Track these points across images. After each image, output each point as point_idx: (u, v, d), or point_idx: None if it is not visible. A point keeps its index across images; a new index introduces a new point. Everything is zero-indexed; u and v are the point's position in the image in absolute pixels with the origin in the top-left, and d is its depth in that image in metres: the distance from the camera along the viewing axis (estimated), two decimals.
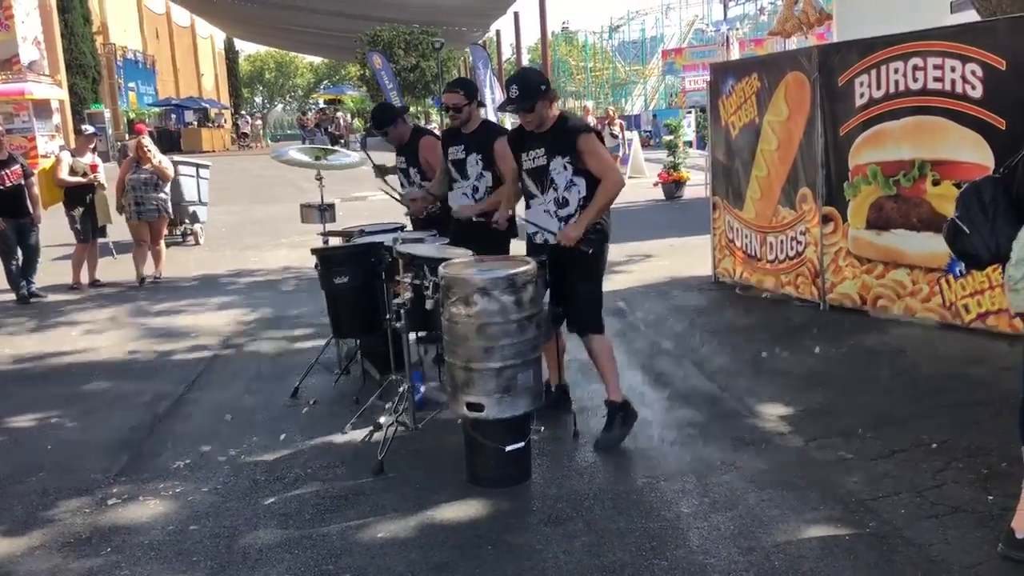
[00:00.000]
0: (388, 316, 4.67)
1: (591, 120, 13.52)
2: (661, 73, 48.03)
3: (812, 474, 3.86)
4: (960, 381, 4.99)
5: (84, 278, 9.37)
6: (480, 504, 3.73)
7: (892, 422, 4.41)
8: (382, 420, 4.56)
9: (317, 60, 79.54)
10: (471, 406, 3.79)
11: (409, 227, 5.88)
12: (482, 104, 5.29)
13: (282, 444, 4.58)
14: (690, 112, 34.61)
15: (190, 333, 7.18)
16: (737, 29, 35.99)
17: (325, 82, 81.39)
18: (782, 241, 7.10)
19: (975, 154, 5.51)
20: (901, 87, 5.88)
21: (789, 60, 6.92)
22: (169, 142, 31.83)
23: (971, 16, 7.57)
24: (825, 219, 6.60)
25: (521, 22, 36.26)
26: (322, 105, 52.57)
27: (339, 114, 41.41)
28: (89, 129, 10.09)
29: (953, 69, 5.55)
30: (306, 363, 6.01)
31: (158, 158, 9.55)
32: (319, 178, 5.45)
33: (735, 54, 34.50)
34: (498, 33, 42.36)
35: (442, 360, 4.71)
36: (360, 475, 4.10)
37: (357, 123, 38.37)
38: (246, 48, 67.68)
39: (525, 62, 43.47)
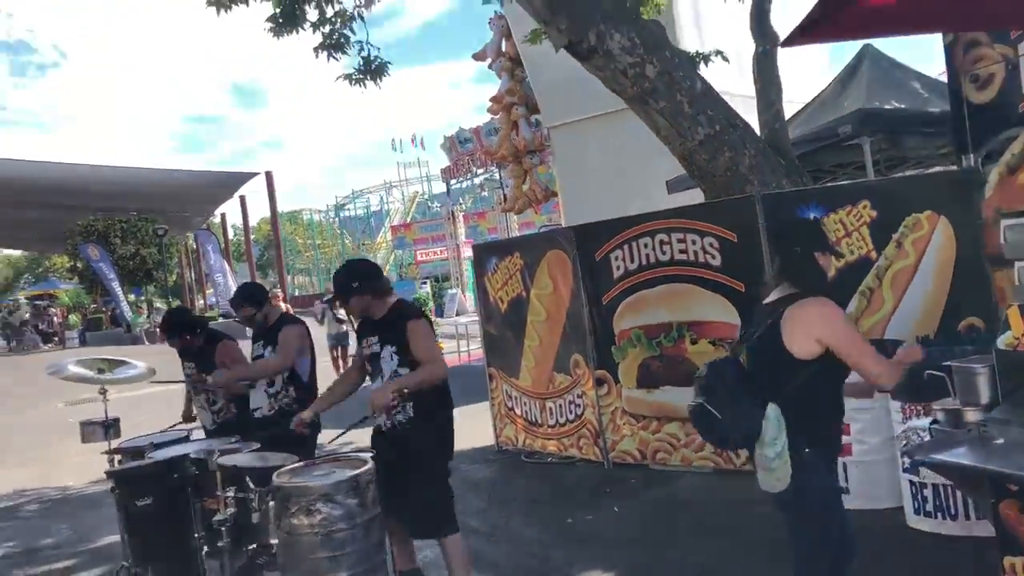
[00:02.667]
0: (198, 535, 4.37)
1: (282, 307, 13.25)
2: (391, 247, 49.65)
3: None
4: (750, 521, 5.45)
5: None
6: None
7: (714, 572, 4.72)
8: None
9: (16, 253, 73.59)
10: None
11: (200, 434, 5.59)
12: (269, 303, 5.27)
13: None
14: (424, 283, 35.85)
15: None
16: (460, 204, 38.26)
17: (26, 275, 75.16)
18: (560, 405, 7.50)
19: (723, 314, 6.29)
20: (652, 259, 6.62)
21: (547, 240, 7.58)
22: None
23: (688, 196, 8.74)
24: (599, 382, 7.10)
25: (248, 204, 36.29)
26: (23, 301, 48.42)
27: (51, 310, 38.20)
28: None
29: (694, 242, 6.37)
30: None
31: None
32: (103, 392, 5.06)
33: (461, 226, 36.61)
34: (223, 216, 41.91)
35: (245, 573, 4.45)
36: None
37: (73, 318, 35.56)
38: None
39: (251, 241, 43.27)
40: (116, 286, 34.15)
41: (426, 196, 54.05)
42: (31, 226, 42.97)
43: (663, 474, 6.69)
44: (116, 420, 5.13)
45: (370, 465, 3.78)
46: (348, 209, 59.20)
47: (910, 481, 4.91)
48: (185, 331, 5.38)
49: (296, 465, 3.92)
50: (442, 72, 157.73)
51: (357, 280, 4.29)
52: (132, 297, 37.16)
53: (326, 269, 54.15)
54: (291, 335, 5.10)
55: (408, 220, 50.66)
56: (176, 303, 36.39)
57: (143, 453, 4.94)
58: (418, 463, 4.18)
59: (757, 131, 6.83)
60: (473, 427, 9.22)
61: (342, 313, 5.04)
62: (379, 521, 3.76)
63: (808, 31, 2.60)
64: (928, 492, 4.82)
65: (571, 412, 7.41)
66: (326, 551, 3.57)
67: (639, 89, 6.15)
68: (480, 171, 34.00)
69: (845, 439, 4.61)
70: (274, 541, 5.53)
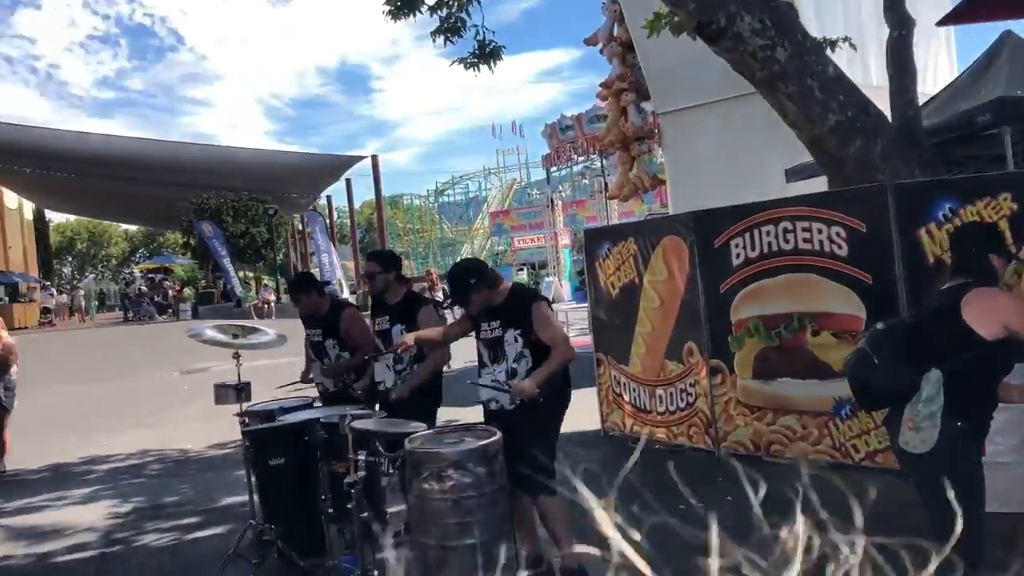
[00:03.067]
0: (325, 496, 4.52)
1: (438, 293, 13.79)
2: (488, 232, 50.06)
3: None
4: (873, 515, 5.30)
5: None
6: None
7: None
8: None
9: (132, 228, 77.18)
10: None
11: (318, 403, 5.78)
12: (401, 277, 5.40)
13: None
14: (521, 270, 36.05)
15: (63, 531, 6.54)
16: (560, 192, 38.24)
17: (142, 250, 78.75)
18: (671, 393, 7.44)
19: (847, 306, 6.12)
20: (775, 247, 6.49)
21: (664, 226, 7.51)
22: None
23: (806, 186, 8.53)
24: (713, 371, 7.01)
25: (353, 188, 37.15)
26: (137, 274, 50.67)
27: (166, 283, 39.98)
28: None
29: (820, 231, 6.22)
30: (209, 554, 5.67)
31: (5, 339, 8.88)
32: (237, 356, 5.28)
33: (560, 214, 36.62)
34: (329, 199, 43.01)
35: (362, 540, 4.60)
36: None
37: (188, 292, 37.13)
38: (56, 218, 64.67)
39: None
40: (227, 262, 35.43)
41: (524, 184, 54.24)
42: (147, 203, 45.05)
43: (778, 466, 6.56)
44: (247, 384, 5.34)
45: (499, 436, 3.84)
46: (447, 195, 59.93)
47: None
48: (314, 290, 5.57)
49: (427, 432, 4.01)
50: (542, 60, 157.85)
51: (473, 277, 4.36)
52: (242, 274, 38.51)
53: (424, 254, 54.98)
54: (433, 317, 5.27)
55: (506, 207, 50.97)
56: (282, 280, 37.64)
57: (273, 416, 5.13)
58: (538, 431, 4.22)
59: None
60: (579, 412, 9.25)
61: None
62: (505, 492, 3.81)
63: (972, 8, 2.51)
64: None
65: (682, 400, 7.35)
66: (455, 517, 3.65)
67: (768, 72, 6.02)
68: (580, 159, 33.97)
69: None
70: (390, 509, 5.73)
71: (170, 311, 37.26)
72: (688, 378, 7.26)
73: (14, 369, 8.85)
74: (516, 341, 4.28)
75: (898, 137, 6.25)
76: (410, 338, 4.70)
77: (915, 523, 4.35)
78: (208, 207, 39.30)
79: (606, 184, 30.69)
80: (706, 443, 7.15)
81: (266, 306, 32.90)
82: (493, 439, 3.78)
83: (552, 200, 34.89)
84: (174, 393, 14.26)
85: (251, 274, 39.06)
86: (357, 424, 4.12)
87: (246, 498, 6.98)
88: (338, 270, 34.86)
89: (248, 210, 40.35)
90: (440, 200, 60.20)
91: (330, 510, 4.57)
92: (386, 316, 5.29)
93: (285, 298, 35.92)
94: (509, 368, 4.30)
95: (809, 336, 6.35)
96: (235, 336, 5.19)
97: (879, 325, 3.48)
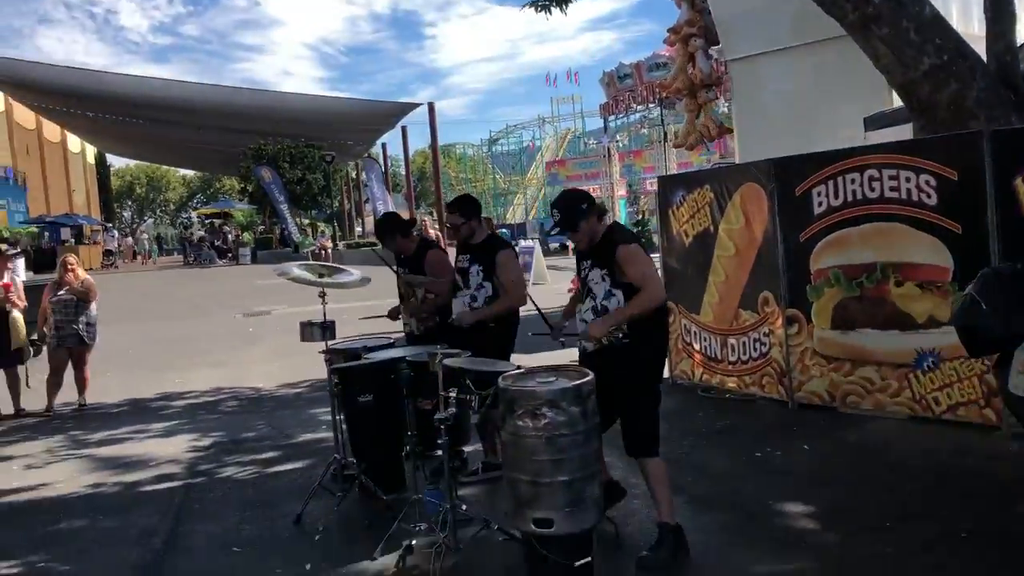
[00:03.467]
0: (411, 433, 4.60)
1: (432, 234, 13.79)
2: (542, 182, 49.77)
3: (864, 571, 3.95)
4: (955, 471, 5.24)
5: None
6: None
7: (912, 515, 4.57)
8: (414, 543, 4.43)
9: (190, 174, 78.40)
10: (538, 522, 3.72)
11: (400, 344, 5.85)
12: (478, 220, 5.41)
13: (310, 574, 4.34)
14: None
15: (148, 462, 6.77)
16: (617, 141, 37.79)
17: (199, 195, 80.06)
18: (744, 343, 7.38)
19: (933, 256, 5.97)
20: (859, 196, 6.34)
21: (742, 173, 7.36)
22: (45, 262, 30.30)
23: (885, 135, 8.29)
24: (790, 320, 6.92)
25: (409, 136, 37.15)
26: (195, 219, 51.47)
27: (226, 228, 40.62)
28: (8, 249, 9.57)
29: (908, 179, 6.05)
30: (291, 487, 5.83)
31: (83, 277, 9.14)
32: (323, 295, 5.35)
33: (616, 164, 36.25)
34: (384, 146, 43.14)
35: (439, 475, 4.68)
36: None
37: (247, 236, 37.69)
38: (116, 162, 65.94)
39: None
40: (285, 208, 35.83)
41: (578, 133, 53.62)
42: (204, 148, 45.64)
43: (853, 417, 6.50)
44: (332, 322, 5.42)
45: (591, 376, 3.84)
46: (501, 144, 59.57)
47: None
48: (400, 232, 5.62)
49: (518, 372, 4.04)
50: (597, 7, 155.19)
51: (585, 202, 4.30)
52: (298, 220, 38.92)
53: None
54: (511, 260, 5.28)
55: (559, 157, 50.54)
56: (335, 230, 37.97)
57: (358, 355, 5.20)
58: (633, 381, 4.18)
59: None
60: None
61: None
62: (597, 431, 3.83)
63: None
64: None
65: (755, 350, 7.28)
66: (549, 454, 3.68)
67: (861, 14, 5.83)
68: (639, 108, 33.47)
69: None
70: (467, 448, 5.81)
71: (229, 255, 37.88)
72: (763, 327, 7.18)
73: (94, 305, 9.12)
74: (603, 281, 4.23)
75: (994, 82, 6.04)
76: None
77: (1004, 475, 4.31)
78: (265, 153, 39.70)
79: (665, 134, 30.29)
80: (779, 393, 7.09)
81: (323, 252, 33.28)
82: (586, 379, 3.79)
83: (608, 150, 34.51)
84: (240, 335, 14.58)
85: (306, 221, 39.44)
86: (448, 362, 4.16)
87: (322, 435, 7.20)
88: None
89: (304, 157, 40.67)
90: (493, 149, 59.89)
91: (416, 447, 4.65)
92: (467, 255, 5.33)
93: (341, 244, 36.30)
94: (599, 306, 4.26)
95: (892, 286, 6.22)
96: (321, 276, 5.25)
97: (986, 270, 3.41)
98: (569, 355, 5.56)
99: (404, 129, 39.14)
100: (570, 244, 5.05)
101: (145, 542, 4.96)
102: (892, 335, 6.25)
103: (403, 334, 6.19)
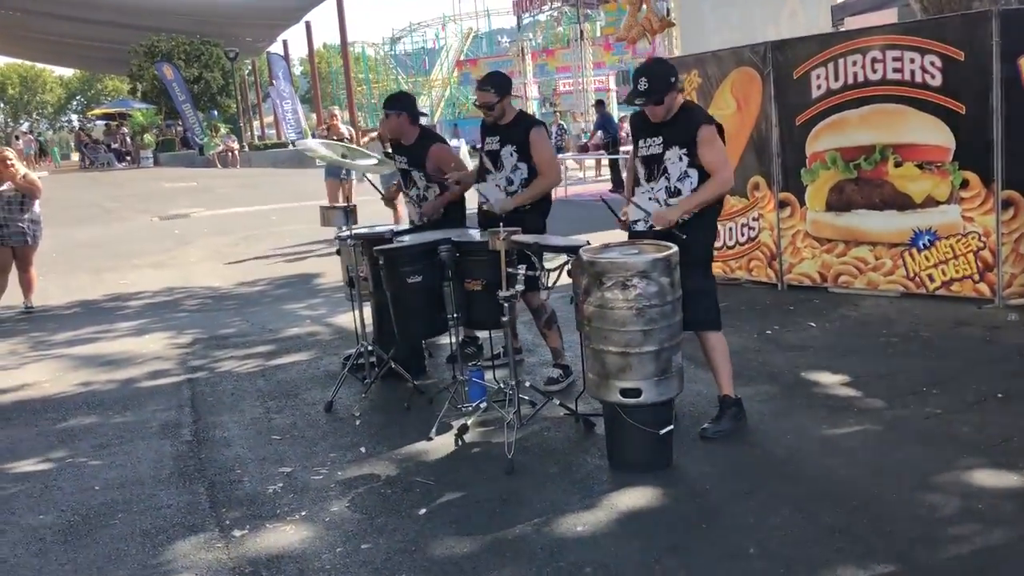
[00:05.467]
0: (455, 314, 4.50)
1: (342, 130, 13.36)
2: (448, 83, 48.70)
3: (923, 430, 4.11)
4: (965, 341, 5.49)
5: None
6: (653, 489, 3.65)
7: (944, 380, 4.76)
8: (469, 422, 4.40)
9: (68, 73, 73.30)
10: (626, 392, 3.72)
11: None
12: (513, 97, 5.15)
13: (370, 457, 4.25)
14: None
15: (133, 360, 6.45)
16: (530, 39, 37.10)
17: (79, 97, 75.18)
18: (731, 228, 7.47)
19: (934, 136, 6.12)
20: (860, 78, 6.39)
21: (735, 56, 7.30)
22: None
23: (860, 22, 8.35)
24: (782, 204, 7.03)
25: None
26: (96, 121, 48.34)
27: (123, 130, 38.33)
28: None
29: (912, 61, 6.12)
30: (302, 377, 5.74)
31: (23, 172, 8.49)
32: (347, 175, 5.10)
33: (528, 64, 35.66)
34: (285, 43, 41.18)
35: (474, 356, 4.59)
36: (495, 477, 3.89)
37: (148, 138, 35.67)
38: None
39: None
40: (188, 108, 34.02)
41: (480, 34, 52.37)
42: (87, 45, 42.56)
43: (845, 296, 6.70)
44: (354, 207, 5.18)
45: (676, 248, 3.80)
46: (404, 43, 57.68)
47: None
48: (405, 111, 5.29)
49: (594, 246, 3.96)
50: None
51: (674, 75, 4.14)
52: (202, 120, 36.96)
53: (376, 105, 53.32)
54: (544, 139, 5.08)
55: (462, 58, 49.38)
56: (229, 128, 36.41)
57: (383, 239, 4.98)
58: (695, 263, 4.09)
59: None
60: None
61: None
62: (680, 302, 3.81)
63: None
64: None
65: (743, 235, 7.39)
66: (639, 325, 3.65)
67: None
68: (556, 3, 32.76)
69: None
70: (480, 334, 5.71)
71: (129, 159, 35.92)
72: (752, 212, 7.27)
73: (37, 203, 8.53)
74: (680, 160, 4.10)
75: None
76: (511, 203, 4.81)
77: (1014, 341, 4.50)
78: (159, 50, 37.32)
79: (582, 32, 29.89)
80: (768, 276, 7.24)
81: (230, 154, 31.88)
82: (673, 250, 3.74)
83: (523, 48, 33.85)
84: (169, 236, 13.91)
85: (204, 123, 37.52)
86: (519, 238, 4.04)
87: (310, 328, 7.03)
88: (303, 119, 33.73)
89: (201, 54, 38.46)
90: (396, 49, 58.02)
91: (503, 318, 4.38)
92: (496, 136, 5.09)
93: (247, 147, 34.86)
94: (672, 187, 4.15)
95: (891, 167, 6.35)
96: (344, 156, 4.98)
97: None
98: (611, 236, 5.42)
99: (308, 24, 37.37)
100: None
101: (173, 434, 4.76)
102: (889, 215, 6.42)
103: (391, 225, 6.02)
